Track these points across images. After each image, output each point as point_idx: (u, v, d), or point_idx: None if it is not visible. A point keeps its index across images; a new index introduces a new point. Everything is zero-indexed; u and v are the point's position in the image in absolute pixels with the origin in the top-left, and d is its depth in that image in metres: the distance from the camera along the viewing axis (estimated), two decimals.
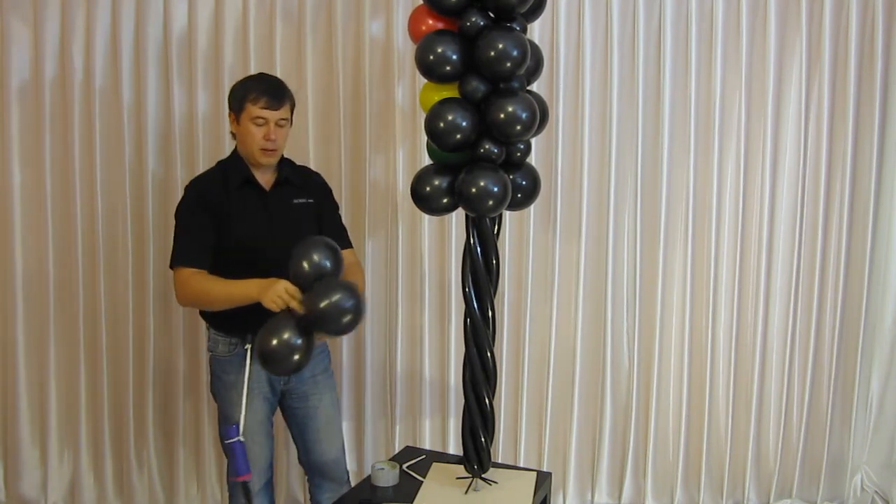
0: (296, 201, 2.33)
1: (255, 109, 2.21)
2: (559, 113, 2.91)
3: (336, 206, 2.47)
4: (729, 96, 2.90)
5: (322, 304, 1.90)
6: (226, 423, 2.31)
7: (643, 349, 3.04)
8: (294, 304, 1.94)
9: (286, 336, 1.90)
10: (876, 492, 3.13)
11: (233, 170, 2.28)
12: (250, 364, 2.24)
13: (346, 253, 2.20)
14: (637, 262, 2.98)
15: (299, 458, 2.55)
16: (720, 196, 2.96)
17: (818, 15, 2.85)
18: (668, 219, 2.97)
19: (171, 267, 2.21)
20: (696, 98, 2.89)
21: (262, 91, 2.22)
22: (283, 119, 2.26)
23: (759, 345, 3.01)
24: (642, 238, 2.97)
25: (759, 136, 2.92)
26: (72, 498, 3.17)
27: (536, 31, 2.87)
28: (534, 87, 2.86)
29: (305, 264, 1.95)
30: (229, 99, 2.28)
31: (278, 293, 1.95)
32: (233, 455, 2.08)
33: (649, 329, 3.02)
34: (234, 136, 2.31)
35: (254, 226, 2.25)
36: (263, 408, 2.36)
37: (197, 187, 2.27)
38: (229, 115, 2.29)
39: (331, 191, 2.47)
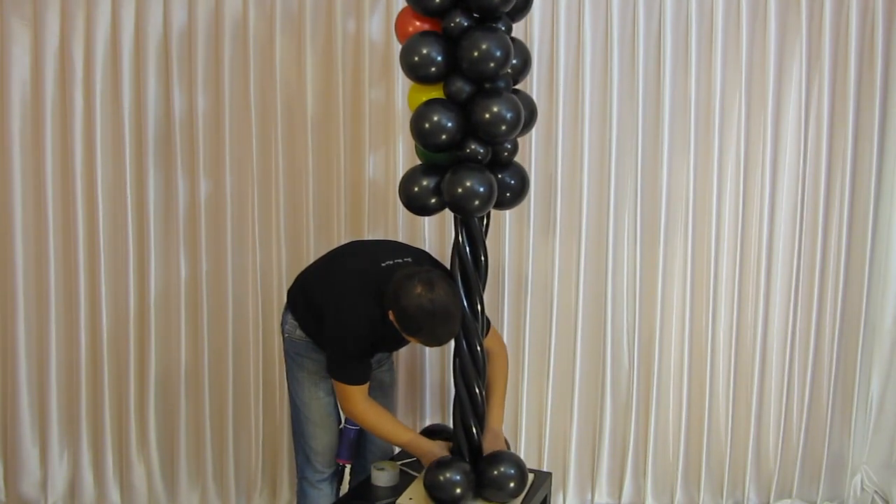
0: None
1: (419, 342, 2.25)
2: (559, 113, 2.91)
3: None
4: (729, 96, 2.90)
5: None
6: (294, 402, 2.51)
7: (643, 349, 3.04)
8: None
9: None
10: (876, 492, 3.13)
11: (389, 327, 2.28)
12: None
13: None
14: (637, 262, 2.98)
15: None
16: (720, 196, 2.96)
17: (818, 15, 2.85)
18: (668, 219, 2.97)
19: (345, 383, 2.31)
20: (696, 98, 2.89)
21: (431, 342, 2.23)
22: None
23: (759, 345, 3.01)
24: (642, 238, 2.97)
25: (759, 136, 2.92)
26: (72, 497, 3.18)
27: (536, 30, 2.87)
28: (533, 86, 2.88)
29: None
30: (399, 312, 2.16)
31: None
32: (341, 439, 2.48)
33: (649, 329, 3.02)
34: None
35: (386, 349, 2.54)
36: (332, 395, 2.49)
37: (364, 331, 2.27)
38: (393, 311, 2.18)
39: None
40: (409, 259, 2.40)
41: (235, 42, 2.93)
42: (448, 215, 2.92)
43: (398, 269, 2.25)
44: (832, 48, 2.86)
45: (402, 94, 2.92)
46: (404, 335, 2.23)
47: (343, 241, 2.88)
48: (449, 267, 2.34)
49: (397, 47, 2.86)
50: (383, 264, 2.33)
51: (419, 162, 2.34)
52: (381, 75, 2.93)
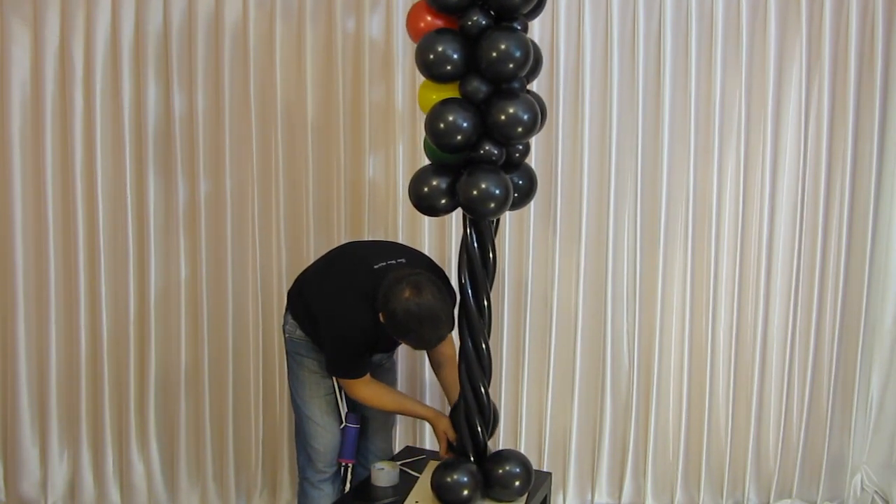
0: None
1: (409, 345, 2.28)
2: (559, 113, 2.91)
3: None
4: (729, 96, 2.90)
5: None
6: (295, 402, 2.54)
7: (643, 349, 3.04)
8: (451, 436, 2.40)
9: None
10: (876, 492, 3.13)
11: (384, 329, 2.28)
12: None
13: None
14: (637, 263, 2.98)
15: None
16: (720, 196, 2.96)
17: (818, 15, 2.85)
18: (668, 219, 2.97)
19: (349, 378, 2.38)
20: (696, 98, 2.89)
21: (419, 345, 2.26)
22: None
23: (759, 345, 3.01)
24: (642, 238, 2.97)
25: (759, 136, 2.92)
26: (72, 497, 3.17)
27: (536, 30, 2.87)
28: (534, 86, 2.87)
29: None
30: (388, 315, 2.17)
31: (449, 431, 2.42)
32: (343, 438, 2.51)
33: (649, 329, 3.02)
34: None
35: (384, 349, 2.52)
36: (333, 395, 2.52)
37: (357, 337, 2.31)
38: (383, 314, 2.20)
39: None
40: (403, 260, 2.40)
41: (235, 42, 2.93)
42: (448, 216, 2.93)
43: (390, 271, 2.26)
44: (832, 48, 2.86)
45: (403, 94, 2.92)
46: (394, 338, 2.24)
47: (343, 242, 2.88)
48: (446, 268, 2.33)
49: (397, 47, 2.88)
50: (375, 267, 2.34)
51: (423, 161, 2.33)
52: (381, 75, 2.92)
